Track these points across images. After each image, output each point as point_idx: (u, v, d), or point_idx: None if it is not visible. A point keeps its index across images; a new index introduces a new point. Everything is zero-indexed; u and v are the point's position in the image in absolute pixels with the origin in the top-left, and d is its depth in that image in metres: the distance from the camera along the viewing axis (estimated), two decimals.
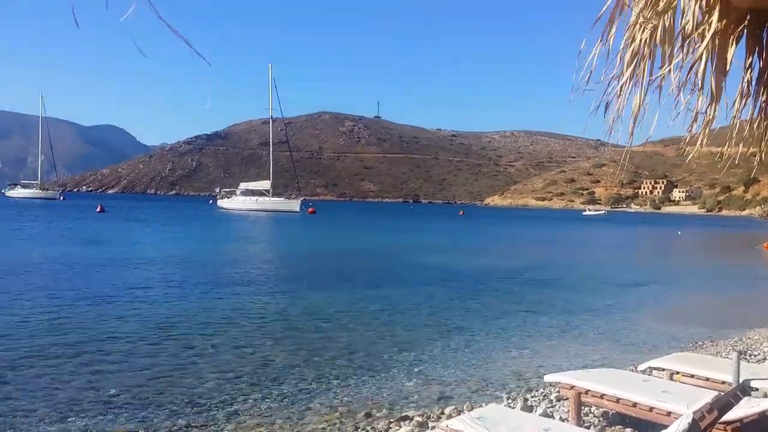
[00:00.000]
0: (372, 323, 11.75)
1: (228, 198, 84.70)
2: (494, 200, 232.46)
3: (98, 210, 61.30)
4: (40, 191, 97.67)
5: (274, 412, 6.75)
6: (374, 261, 25.21)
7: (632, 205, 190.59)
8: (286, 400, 7.16)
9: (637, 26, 2.97)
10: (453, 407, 6.84)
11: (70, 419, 6.34)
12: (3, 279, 15.85)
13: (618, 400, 5.29)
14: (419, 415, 6.57)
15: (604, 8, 2.97)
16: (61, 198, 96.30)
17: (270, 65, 78.83)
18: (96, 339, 9.68)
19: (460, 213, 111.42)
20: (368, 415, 6.66)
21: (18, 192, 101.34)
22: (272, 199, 76.45)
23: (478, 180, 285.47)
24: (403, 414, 6.67)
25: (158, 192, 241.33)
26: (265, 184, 78.96)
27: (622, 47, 3.03)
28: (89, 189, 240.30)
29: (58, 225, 40.61)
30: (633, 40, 2.99)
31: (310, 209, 76.45)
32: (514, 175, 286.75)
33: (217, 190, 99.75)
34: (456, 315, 12.87)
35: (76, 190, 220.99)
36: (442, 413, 6.65)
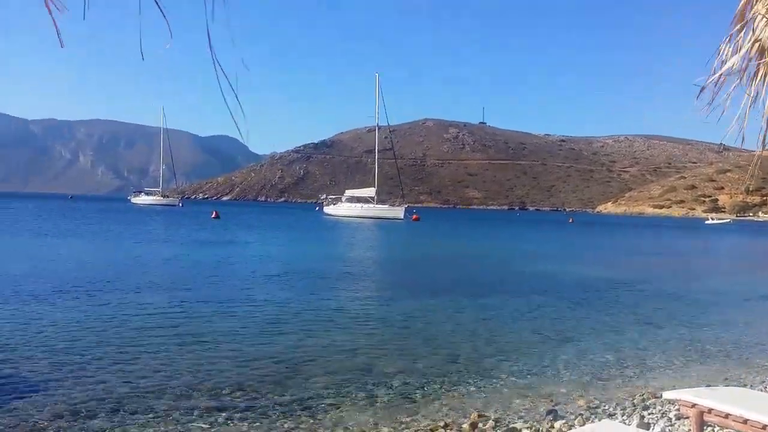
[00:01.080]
0: (477, 331, 11.58)
1: (334, 205, 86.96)
2: (607, 208, 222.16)
3: (213, 216, 64.87)
4: (162, 198, 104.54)
5: (379, 419, 6.75)
6: (479, 268, 24.91)
7: (760, 214, 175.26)
8: (391, 406, 7.16)
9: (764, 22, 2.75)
10: (563, 422, 6.58)
11: (183, 409, 6.69)
12: (132, 275, 17.18)
13: (746, 422, 4.87)
14: (527, 428, 6.40)
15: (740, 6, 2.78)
16: (180, 205, 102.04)
17: (377, 75, 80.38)
18: (209, 334, 10.21)
19: (570, 221, 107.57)
20: (474, 425, 6.49)
21: (142, 199, 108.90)
22: (377, 206, 77.61)
23: (590, 186, 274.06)
24: (511, 426, 6.50)
25: (268, 199, 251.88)
26: (370, 191, 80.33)
27: (749, 46, 2.83)
28: (205, 196, 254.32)
29: (179, 229, 43.53)
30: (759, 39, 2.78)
31: (414, 216, 76.88)
32: (629, 181, 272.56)
33: (324, 197, 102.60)
34: (566, 326, 12.42)
35: (193, 197, 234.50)
36: (552, 427, 6.43)
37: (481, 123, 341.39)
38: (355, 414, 6.87)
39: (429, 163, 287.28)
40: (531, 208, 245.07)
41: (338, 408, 7.03)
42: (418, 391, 7.73)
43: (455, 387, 7.97)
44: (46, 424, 6.19)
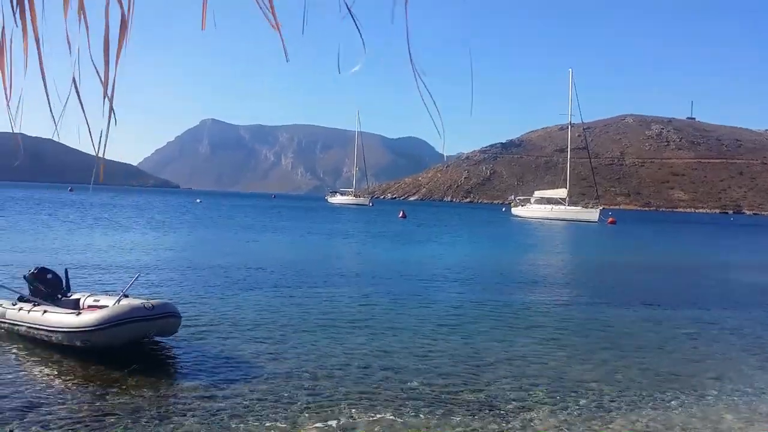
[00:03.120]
0: (682, 344, 10.57)
1: (522, 206, 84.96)
2: None
3: (400, 216, 66.89)
4: (354, 198, 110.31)
5: (572, 427, 6.47)
6: (680, 278, 22.57)
7: None
8: (584, 414, 6.84)
9: None
10: None
11: (371, 399, 6.95)
12: (326, 268, 18.37)
13: None
14: None
15: None
16: (371, 204, 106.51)
17: (570, 70, 76.66)
18: (398, 328, 10.55)
19: None
20: None
21: (337, 199, 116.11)
22: (568, 207, 74.24)
23: None
24: None
25: (454, 200, 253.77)
26: (561, 192, 77.08)
27: None
28: (393, 196, 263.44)
29: (371, 227, 45.71)
30: None
31: (610, 219, 72.01)
32: None
33: (512, 197, 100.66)
34: None
35: (382, 197, 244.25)
36: None
37: (689, 118, 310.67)
38: (545, 418, 6.63)
39: (627, 163, 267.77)
40: (748, 212, 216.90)
41: (528, 410, 6.88)
42: (613, 402, 7.30)
43: (654, 401, 7.37)
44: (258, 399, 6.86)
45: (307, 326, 10.61)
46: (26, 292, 9.38)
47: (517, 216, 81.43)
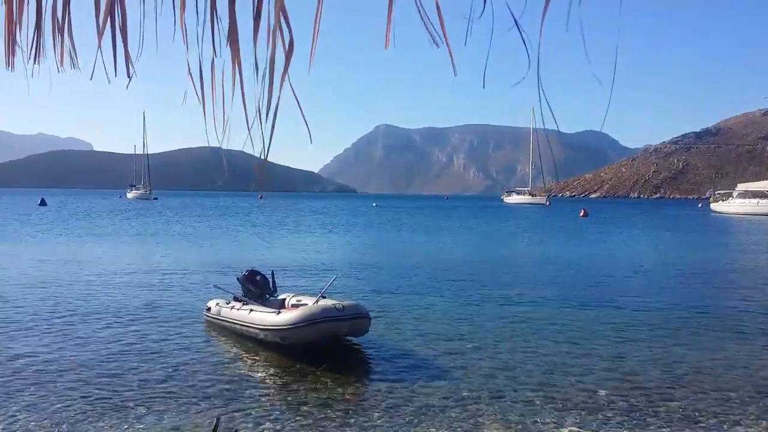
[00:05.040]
0: None
1: (723, 201, 76.50)
2: None
3: (581, 215, 63.65)
4: (530, 197, 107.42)
5: None
6: None
7: None
8: None
9: None
10: None
11: (554, 407, 6.64)
12: (507, 271, 18.04)
13: None
14: None
15: None
16: (548, 203, 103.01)
17: None
18: (585, 333, 10.00)
19: None
20: None
21: (513, 198, 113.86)
22: None
23: None
24: None
25: (641, 196, 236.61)
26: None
27: None
28: (572, 194, 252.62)
29: (548, 227, 44.19)
30: None
31: None
32: None
33: (709, 192, 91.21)
34: None
35: (560, 195, 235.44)
36: None
37: None
38: None
39: None
40: None
41: (734, 425, 6.20)
42: None
43: None
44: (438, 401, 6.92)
45: (488, 328, 10.52)
46: (240, 292, 10.37)
47: (717, 212, 73.46)
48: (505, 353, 8.86)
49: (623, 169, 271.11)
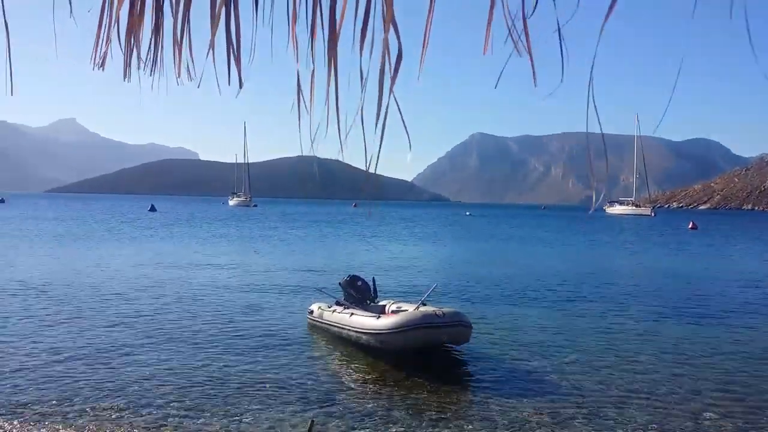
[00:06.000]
0: None
1: None
2: None
3: (690, 227, 59.96)
4: (634, 208, 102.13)
5: None
6: None
7: None
8: None
9: None
10: None
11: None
12: (614, 285, 17.30)
13: None
14: None
15: None
16: (653, 214, 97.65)
17: None
18: (680, 351, 9.40)
19: None
20: None
21: (616, 209, 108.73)
22: None
23: None
24: None
25: (755, 208, 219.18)
26: None
27: None
28: (679, 205, 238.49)
29: (655, 240, 41.99)
30: None
31: None
32: None
33: None
34: None
35: (666, 206, 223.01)
36: None
37: None
38: None
39: None
40: None
41: None
42: None
43: None
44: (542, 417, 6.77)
45: (588, 343, 10.15)
46: (342, 297, 10.65)
47: None
48: (602, 370, 8.49)
49: (736, 179, 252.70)
